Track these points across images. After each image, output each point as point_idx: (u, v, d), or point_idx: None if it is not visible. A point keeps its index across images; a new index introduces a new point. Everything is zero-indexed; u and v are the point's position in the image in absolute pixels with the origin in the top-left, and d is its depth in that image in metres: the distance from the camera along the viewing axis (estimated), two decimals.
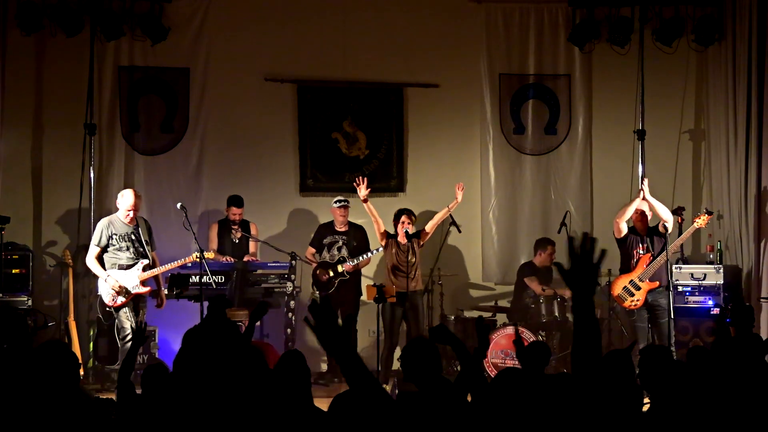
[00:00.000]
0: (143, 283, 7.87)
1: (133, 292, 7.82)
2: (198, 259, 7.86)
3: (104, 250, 7.86)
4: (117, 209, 8.00)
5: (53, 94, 9.21)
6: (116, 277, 7.80)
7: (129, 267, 7.86)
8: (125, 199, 7.93)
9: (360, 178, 8.55)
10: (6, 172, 9.00)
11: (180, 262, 8.06)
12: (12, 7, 8.81)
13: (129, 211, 7.87)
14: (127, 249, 7.89)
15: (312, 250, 8.90)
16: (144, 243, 7.92)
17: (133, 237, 7.91)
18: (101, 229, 7.90)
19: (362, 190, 8.41)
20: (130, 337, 7.60)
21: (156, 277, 8.04)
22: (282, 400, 3.76)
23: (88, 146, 8.89)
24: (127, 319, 7.76)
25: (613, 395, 3.36)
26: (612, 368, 3.87)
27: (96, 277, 8.02)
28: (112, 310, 7.84)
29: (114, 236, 7.88)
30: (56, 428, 3.86)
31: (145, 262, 7.89)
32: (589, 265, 2.72)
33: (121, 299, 7.79)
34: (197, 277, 7.99)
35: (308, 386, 3.88)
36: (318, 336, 2.77)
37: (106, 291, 7.86)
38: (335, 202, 8.89)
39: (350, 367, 2.79)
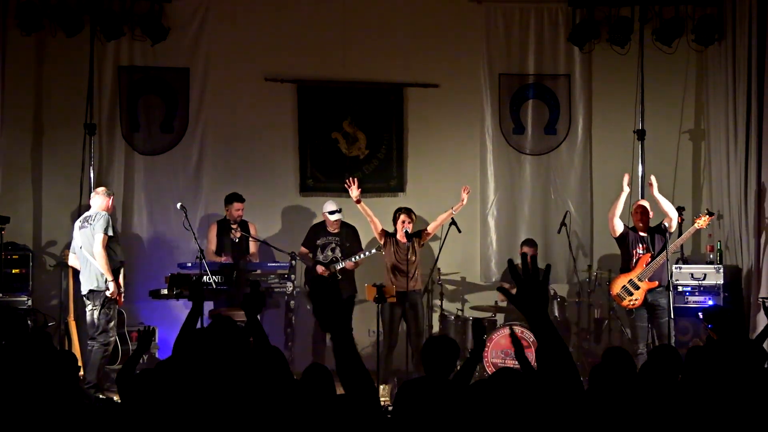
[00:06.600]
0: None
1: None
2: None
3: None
4: (110, 208, 7.85)
5: (53, 94, 9.22)
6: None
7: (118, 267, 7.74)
8: (111, 200, 7.86)
9: (351, 179, 8.49)
10: (6, 172, 9.01)
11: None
12: (12, 7, 8.83)
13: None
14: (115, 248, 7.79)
15: (305, 250, 8.86)
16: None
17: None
18: (109, 220, 7.65)
19: (354, 191, 8.37)
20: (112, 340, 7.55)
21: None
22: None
23: (88, 146, 8.90)
24: (110, 324, 7.63)
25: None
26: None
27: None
28: (109, 305, 7.59)
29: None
30: (56, 428, 3.86)
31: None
32: (535, 285, 2.73)
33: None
34: (197, 277, 7.98)
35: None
36: (315, 307, 2.82)
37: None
38: (330, 213, 8.83)
39: (342, 345, 2.80)
